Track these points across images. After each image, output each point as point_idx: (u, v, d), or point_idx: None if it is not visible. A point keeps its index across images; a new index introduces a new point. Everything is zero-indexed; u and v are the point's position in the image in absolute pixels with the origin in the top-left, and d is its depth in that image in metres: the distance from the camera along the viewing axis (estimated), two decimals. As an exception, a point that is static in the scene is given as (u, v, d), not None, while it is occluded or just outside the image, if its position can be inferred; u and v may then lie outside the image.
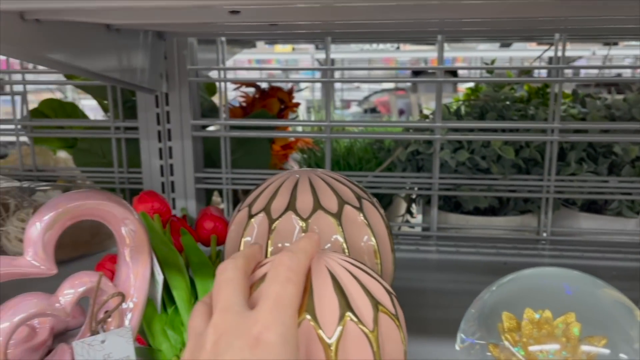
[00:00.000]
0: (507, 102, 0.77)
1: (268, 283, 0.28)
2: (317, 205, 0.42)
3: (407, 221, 0.86)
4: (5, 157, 1.03)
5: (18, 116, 0.84)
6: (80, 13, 0.43)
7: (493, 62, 0.87)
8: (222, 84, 0.76)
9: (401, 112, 2.59)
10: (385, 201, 0.87)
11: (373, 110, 2.81)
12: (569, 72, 0.88)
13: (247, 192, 0.92)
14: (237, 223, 0.44)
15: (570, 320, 0.29)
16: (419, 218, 0.87)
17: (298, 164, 1.02)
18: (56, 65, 0.54)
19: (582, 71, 1.52)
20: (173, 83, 0.73)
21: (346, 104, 3.31)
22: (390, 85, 3.04)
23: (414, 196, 0.84)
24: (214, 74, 0.82)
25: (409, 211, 0.85)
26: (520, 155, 0.74)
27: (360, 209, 0.43)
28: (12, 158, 0.95)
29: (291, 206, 0.42)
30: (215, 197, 0.95)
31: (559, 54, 0.70)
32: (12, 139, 0.86)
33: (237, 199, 0.98)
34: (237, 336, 0.25)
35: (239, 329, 0.26)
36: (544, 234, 0.75)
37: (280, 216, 0.42)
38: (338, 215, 0.41)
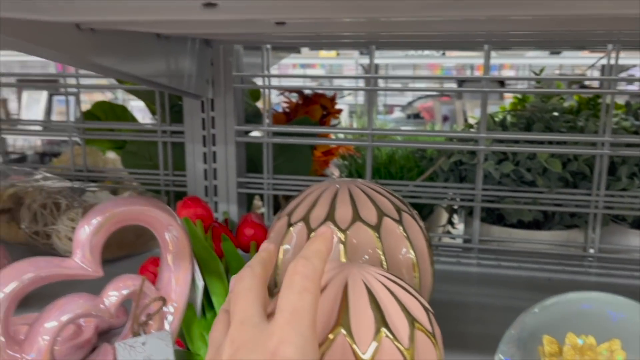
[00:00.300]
0: (555, 113, 0.75)
1: (283, 294, 0.27)
2: (356, 217, 0.42)
3: (448, 232, 0.84)
4: (59, 155, 1.07)
5: (72, 116, 0.87)
6: (133, 24, 0.45)
7: (542, 71, 0.85)
8: (267, 90, 0.77)
9: (445, 119, 2.56)
10: (426, 210, 0.86)
11: (416, 116, 2.78)
12: (622, 82, 0.85)
13: (287, 198, 0.93)
14: (277, 231, 0.45)
15: (615, 347, 0.28)
16: (460, 228, 0.85)
17: (339, 170, 1.02)
18: (108, 71, 0.56)
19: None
20: (219, 89, 0.74)
21: (389, 109, 3.29)
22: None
23: (455, 207, 0.83)
24: (258, 80, 0.83)
25: (450, 222, 0.84)
26: (567, 168, 0.71)
27: (399, 221, 0.42)
28: (64, 157, 0.98)
29: (330, 217, 0.42)
30: (256, 201, 0.96)
31: (612, 62, 0.68)
32: (66, 137, 0.89)
33: (277, 203, 0.99)
34: (254, 350, 0.25)
35: (256, 343, 0.25)
36: (591, 250, 0.72)
37: (318, 226, 0.42)
38: (377, 228, 0.41)
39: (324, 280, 0.32)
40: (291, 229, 0.43)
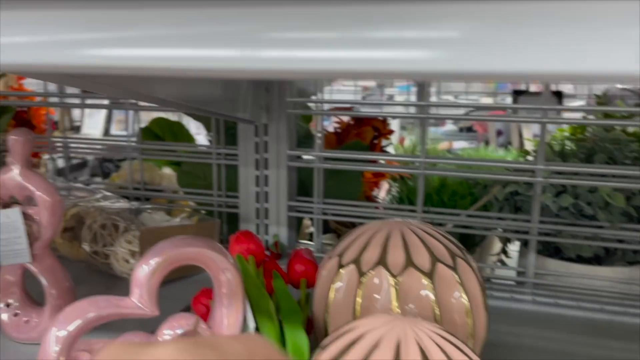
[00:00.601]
0: (619, 144, 0.72)
1: None
2: (409, 262, 0.41)
3: (501, 261, 0.82)
4: (117, 162, 1.11)
5: (130, 127, 0.90)
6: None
7: (604, 95, 0.81)
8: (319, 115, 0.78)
9: (499, 133, 2.50)
10: (478, 238, 0.85)
11: (469, 129, 2.73)
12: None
13: (340, 223, 0.93)
14: (328, 270, 0.45)
15: None
16: (513, 254, 0.83)
17: (388, 193, 1.01)
18: (164, 103, 0.58)
19: None
20: (273, 115, 0.75)
21: (441, 121, 3.24)
22: (489, 103, 2.93)
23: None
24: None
25: (503, 251, 0.82)
26: (631, 202, 0.68)
27: (453, 268, 0.42)
28: (123, 173, 1.02)
29: (382, 261, 0.42)
30: (306, 220, 0.97)
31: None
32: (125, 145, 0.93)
33: (327, 224, 0.99)
34: None
35: None
36: (656, 290, 0.69)
37: (370, 270, 0.42)
38: (430, 274, 0.41)
39: (376, 336, 0.32)
40: (342, 270, 0.43)
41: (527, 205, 0.73)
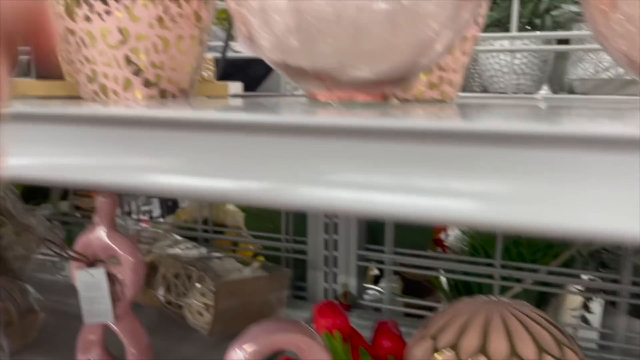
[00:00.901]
0: None
1: None
2: (513, 353, 0.39)
3: (584, 318, 0.77)
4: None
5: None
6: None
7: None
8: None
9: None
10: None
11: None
12: None
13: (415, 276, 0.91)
14: (421, 353, 0.42)
15: None
16: (595, 309, 0.78)
17: (454, 240, 0.98)
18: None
19: None
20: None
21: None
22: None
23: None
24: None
25: (585, 306, 0.77)
26: None
27: (561, 360, 0.39)
28: (189, 210, 1.03)
29: (483, 349, 0.39)
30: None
31: None
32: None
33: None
34: None
35: None
36: None
37: (470, 357, 0.39)
38: (536, 367, 0.38)
39: None
40: (437, 355, 0.41)
41: (614, 263, 0.69)
